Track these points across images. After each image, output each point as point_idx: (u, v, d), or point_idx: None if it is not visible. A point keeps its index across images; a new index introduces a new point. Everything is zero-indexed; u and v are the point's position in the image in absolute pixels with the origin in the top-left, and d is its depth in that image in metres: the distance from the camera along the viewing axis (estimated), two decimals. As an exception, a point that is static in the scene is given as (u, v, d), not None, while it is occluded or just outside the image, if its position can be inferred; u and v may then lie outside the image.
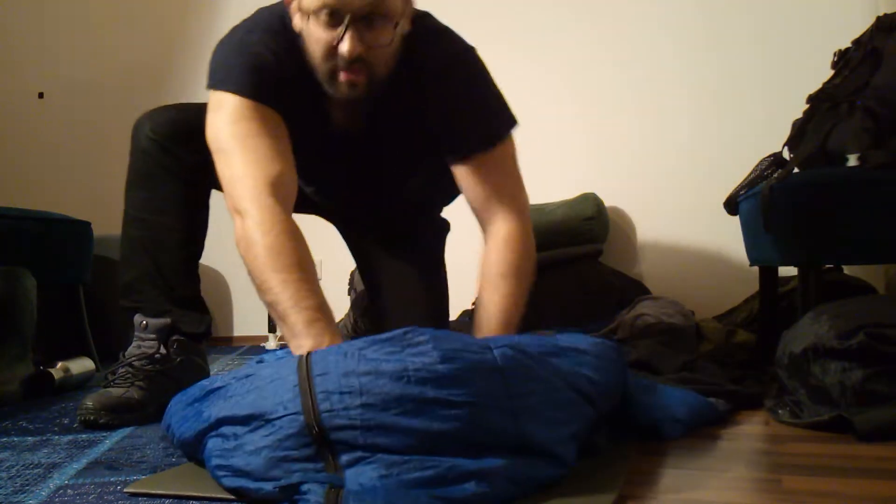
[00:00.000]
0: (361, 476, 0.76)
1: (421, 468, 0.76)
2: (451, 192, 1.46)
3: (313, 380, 0.80)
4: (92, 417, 1.26)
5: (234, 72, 1.21)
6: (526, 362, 0.87)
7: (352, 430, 0.77)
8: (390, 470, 0.75)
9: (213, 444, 0.88)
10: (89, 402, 1.28)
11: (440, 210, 1.69)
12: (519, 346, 0.90)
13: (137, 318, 1.40)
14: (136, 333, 1.40)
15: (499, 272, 1.25)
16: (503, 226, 1.28)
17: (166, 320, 1.38)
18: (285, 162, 1.18)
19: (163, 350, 1.37)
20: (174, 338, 1.39)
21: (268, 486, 0.79)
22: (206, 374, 1.43)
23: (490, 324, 1.21)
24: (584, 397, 0.92)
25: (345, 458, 0.77)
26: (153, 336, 1.38)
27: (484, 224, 1.32)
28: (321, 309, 1.05)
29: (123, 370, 1.35)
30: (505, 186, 1.30)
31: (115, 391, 1.31)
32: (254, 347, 2.71)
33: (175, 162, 1.37)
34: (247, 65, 1.21)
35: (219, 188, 1.34)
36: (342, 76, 1.17)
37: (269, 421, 0.81)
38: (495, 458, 0.79)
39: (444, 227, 1.68)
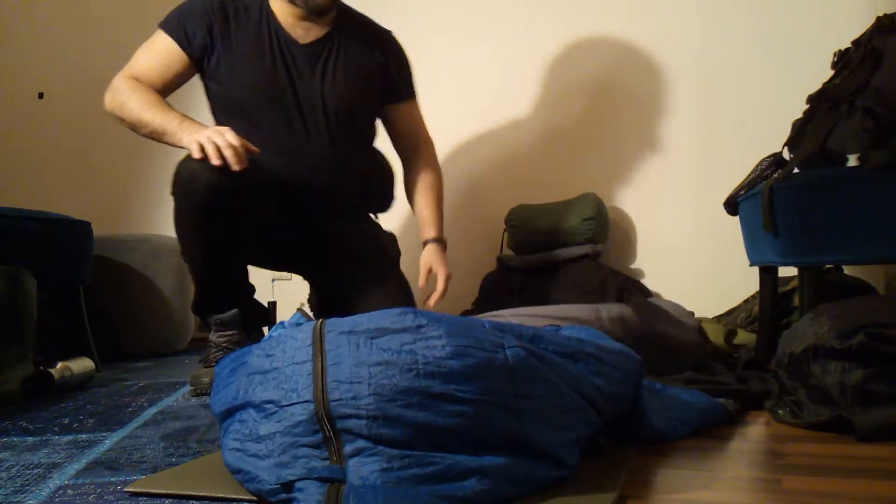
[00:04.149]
0: (363, 468, 0.76)
1: (422, 464, 0.76)
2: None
3: (326, 369, 0.81)
4: (208, 391, 1.47)
5: (170, 17, 1.80)
6: (536, 364, 0.87)
7: (357, 420, 0.77)
8: (391, 463, 0.76)
9: (234, 427, 0.88)
10: (206, 379, 1.56)
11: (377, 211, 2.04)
12: (532, 347, 0.89)
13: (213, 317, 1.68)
14: (214, 328, 1.69)
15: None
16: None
17: (235, 310, 1.67)
18: (161, 84, 1.74)
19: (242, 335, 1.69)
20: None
21: (268, 484, 0.79)
22: None
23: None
24: (590, 403, 0.92)
25: (349, 448, 0.78)
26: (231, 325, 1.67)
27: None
28: (186, 117, 1.61)
29: (217, 352, 1.64)
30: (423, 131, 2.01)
31: None
32: (254, 347, 2.71)
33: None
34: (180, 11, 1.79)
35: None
36: None
37: (282, 407, 0.82)
38: (496, 457, 0.80)
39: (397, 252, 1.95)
